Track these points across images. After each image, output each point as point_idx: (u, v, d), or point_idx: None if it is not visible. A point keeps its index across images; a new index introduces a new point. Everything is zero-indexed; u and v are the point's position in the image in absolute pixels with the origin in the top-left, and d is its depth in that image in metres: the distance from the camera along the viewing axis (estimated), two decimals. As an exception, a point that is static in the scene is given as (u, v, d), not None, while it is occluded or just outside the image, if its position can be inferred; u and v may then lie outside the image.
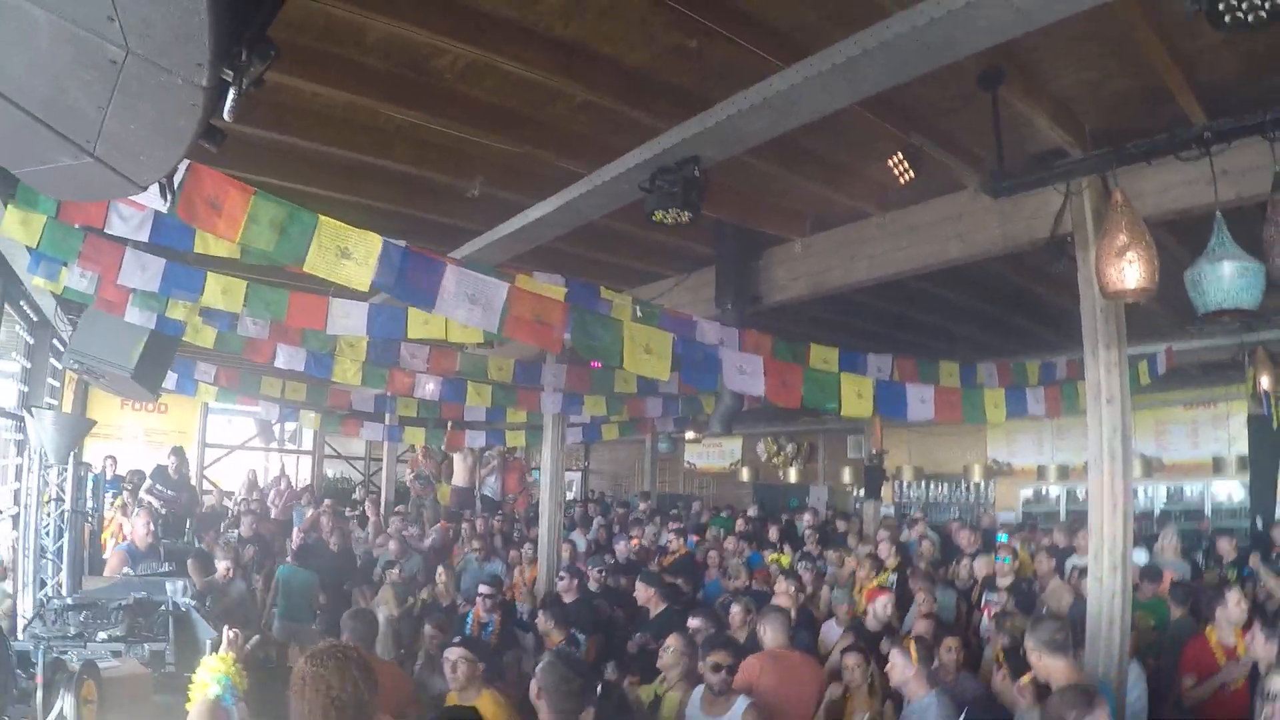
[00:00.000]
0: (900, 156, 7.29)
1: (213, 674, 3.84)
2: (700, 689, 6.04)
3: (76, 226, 6.29)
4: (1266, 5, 3.77)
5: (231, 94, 2.26)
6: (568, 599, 9.32)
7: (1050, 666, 5.05)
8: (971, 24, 4.36)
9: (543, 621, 8.18)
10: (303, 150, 7.64)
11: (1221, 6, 3.85)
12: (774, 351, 7.99)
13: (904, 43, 4.54)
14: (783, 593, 8.43)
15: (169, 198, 4.24)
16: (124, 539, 10.40)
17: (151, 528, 9.12)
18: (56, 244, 6.36)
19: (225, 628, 4.28)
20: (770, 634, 6.64)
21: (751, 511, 17.43)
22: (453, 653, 5.98)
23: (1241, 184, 6.24)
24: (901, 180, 7.42)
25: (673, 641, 6.44)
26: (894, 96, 6.50)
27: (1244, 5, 3.80)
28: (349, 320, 7.42)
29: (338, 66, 6.33)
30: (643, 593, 8.98)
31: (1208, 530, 13.85)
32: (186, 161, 4.54)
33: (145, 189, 2.74)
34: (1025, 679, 5.59)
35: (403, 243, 5.43)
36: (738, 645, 6.54)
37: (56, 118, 2.28)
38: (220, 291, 6.98)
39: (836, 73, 4.90)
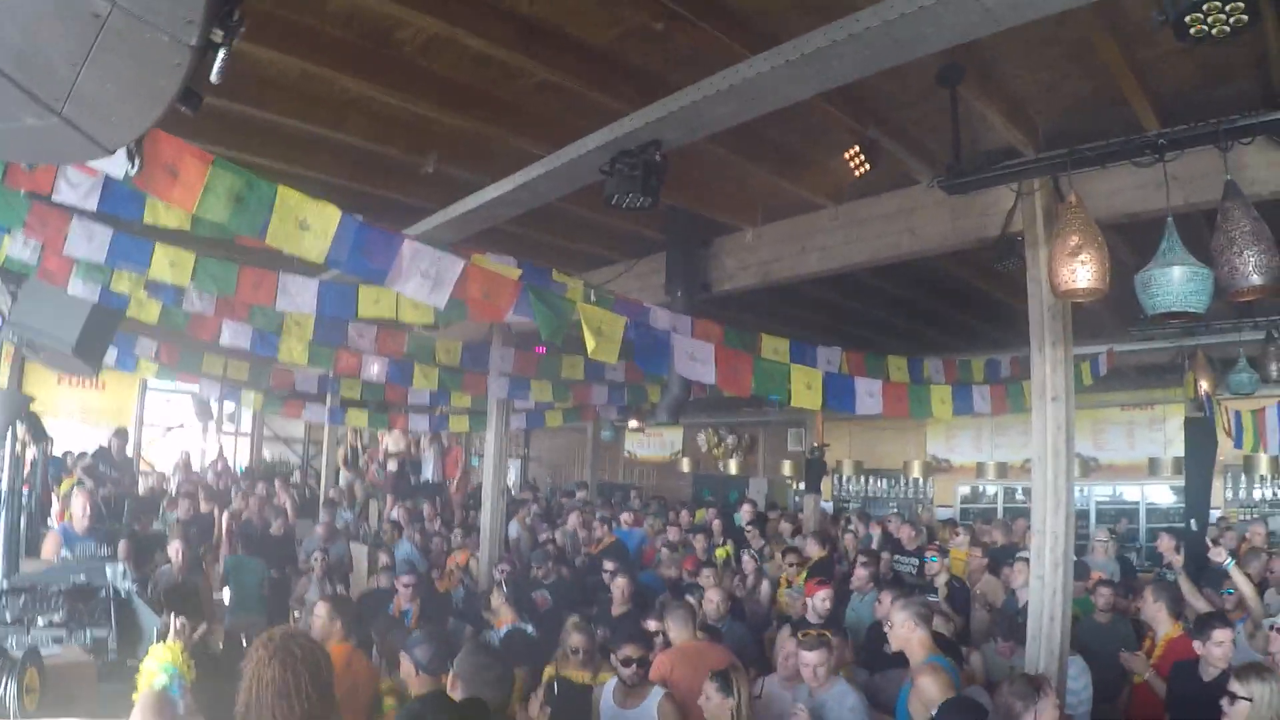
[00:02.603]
0: (857, 149, 7.33)
1: (160, 663, 3.76)
2: (614, 681, 6.07)
3: (21, 193, 6.08)
4: (1231, 20, 3.83)
5: (221, 54, 2.20)
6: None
7: (912, 637, 5.62)
8: (940, 21, 4.39)
9: (495, 599, 8.15)
10: (255, 120, 7.48)
11: (1188, 19, 3.90)
12: (725, 340, 7.99)
13: (873, 36, 4.55)
14: (710, 583, 8.49)
15: (135, 164, 4.11)
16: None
17: (89, 509, 8.85)
18: (1, 211, 6.17)
19: (172, 616, 4.18)
20: (675, 630, 6.66)
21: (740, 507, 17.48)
22: (319, 605, 6.12)
23: (1190, 190, 6.36)
24: (857, 173, 7.47)
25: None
26: (853, 89, 6.54)
27: (1210, 20, 3.86)
28: (299, 297, 7.27)
29: (296, 33, 6.19)
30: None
31: (1122, 529, 14.11)
32: None
33: (112, 153, 2.63)
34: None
35: (359, 217, 5.37)
36: (648, 637, 6.61)
37: (24, 73, 2.16)
38: (168, 264, 6.76)
39: (805, 62, 4.91)
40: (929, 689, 5.18)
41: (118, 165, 4.53)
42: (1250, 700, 4.68)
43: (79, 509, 8.79)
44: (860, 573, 9.00)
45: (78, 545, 8.52)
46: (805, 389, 6.74)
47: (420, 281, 5.50)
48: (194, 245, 6.98)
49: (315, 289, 7.31)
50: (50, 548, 8.66)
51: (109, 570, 5.84)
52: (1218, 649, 5.90)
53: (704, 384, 7.68)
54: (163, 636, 4.03)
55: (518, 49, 6.22)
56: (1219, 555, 7.65)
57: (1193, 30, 3.93)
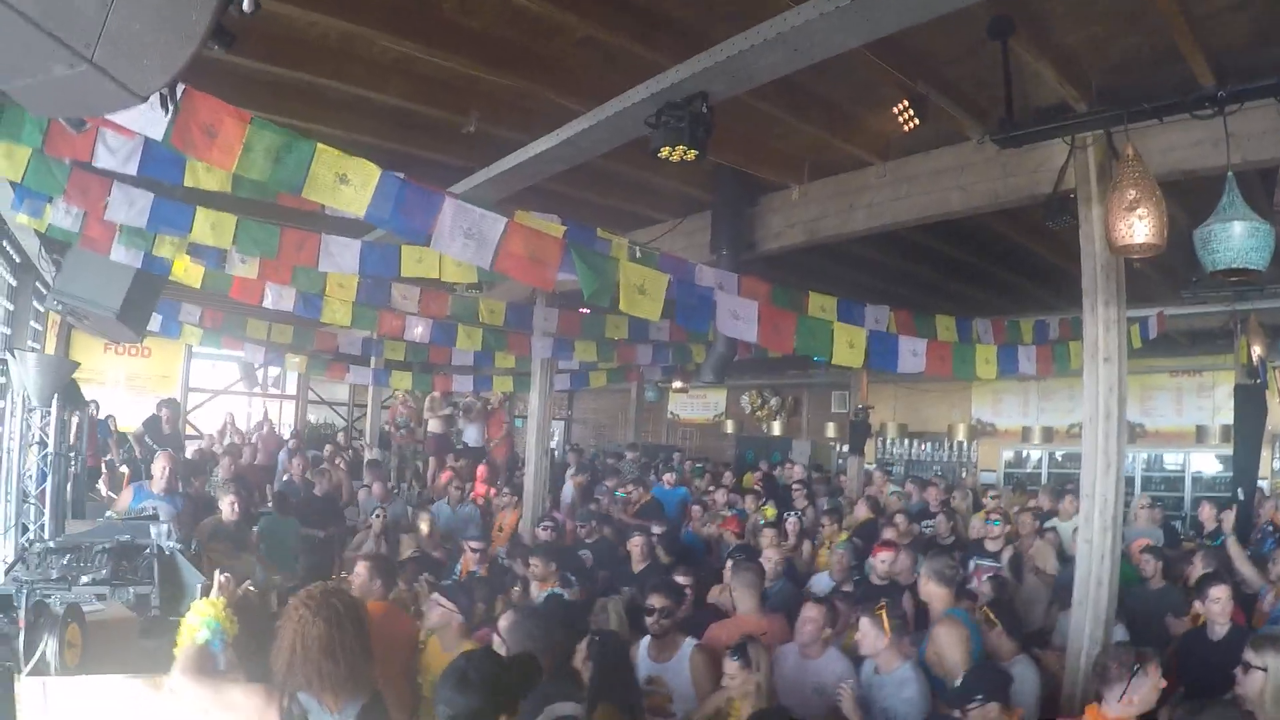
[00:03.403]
0: (906, 103, 7.22)
1: (202, 618, 3.78)
2: (648, 637, 6.06)
3: (65, 161, 6.05)
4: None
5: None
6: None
7: (934, 593, 6.32)
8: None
9: (538, 566, 8.15)
10: (294, 82, 7.46)
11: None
12: (772, 298, 7.93)
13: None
14: (769, 544, 8.45)
15: (169, 110, 4.08)
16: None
17: (168, 471, 8.84)
18: (42, 178, 6.12)
19: (216, 572, 4.23)
20: (740, 596, 6.69)
21: (763, 466, 17.37)
22: (359, 564, 6.21)
23: (1247, 148, 6.18)
24: (906, 128, 7.37)
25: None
26: (902, 42, 6.45)
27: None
28: (341, 257, 7.31)
29: None
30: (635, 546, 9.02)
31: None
32: (181, 86, 4.39)
33: (146, 99, 2.53)
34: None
35: (400, 175, 5.32)
36: (677, 588, 6.55)
37: (52, 18, 2.11)
38: (210, 227, 6.77)
39: (853, 9, 4.79)
40: (942, 637, 5.43)
41: (156, 125, 4.47)
42: (1265, 670, 4.63)
43: (159, 470, 8.83)
44: (888, 533, 8.99)
45: (151, 505, 8.56)
46: (848, 347, 6.65)
47: (464, 243, 5.46)
48: (235, 208, 6.99)
49: (358, 249, 7.33)
50: (124, 500, 8.77)
51: (153, 529, 5.87)
52: (1215, 605, 6.00)
53: (748, 343, 7.62)
54: (206, 592, 4.07)
55: (557, 3, 6.16)
56: (1226, 524, 7.73)
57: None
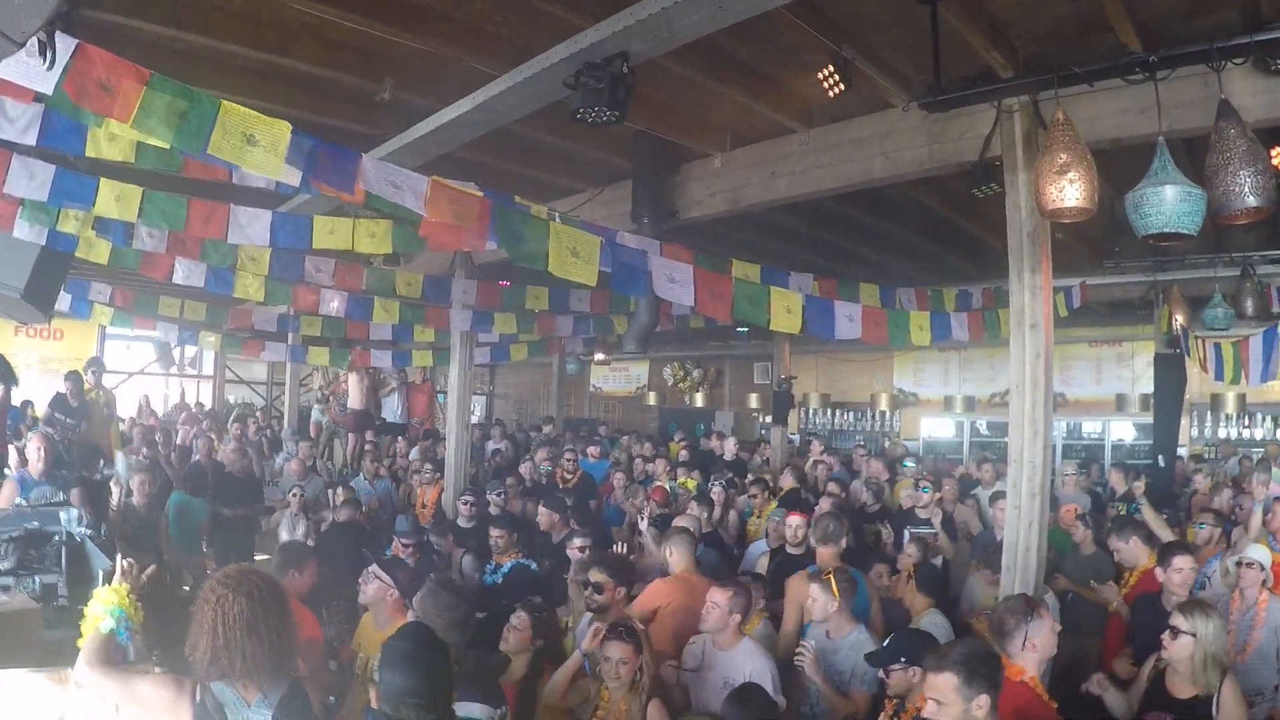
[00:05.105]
0: (831, 69, 7.08)
1: (105, 606, 3.60)
2: (588, 615, 5.88)
3: (-45, 133, 5.80)
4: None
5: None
6: (466, 524, 9.35)
7: (821, 553, 6.72)
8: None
9: (502, 538, 8.03)
10: (201, 48, 7.23)
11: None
12: (697, 263, 7.82)
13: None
14: (691, 515, 8.37)
15: (49, 59, 3.82)
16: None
17: (44, 454, 8.64)
18: None
19: (119, 557, 4.04)
20: (677, 556, 6.56)
21: (677, 437, 17.35)
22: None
23: (1174, 116, 6.16)
24: (831, 94, 7.23)
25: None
26: (828, 6, 6.42)
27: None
28: (251, 229, 7.15)
29: None
30: (545, 518, 8.92)
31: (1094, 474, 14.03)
32: (75, 42, 4.16)
33: (22, 44, 2.45)
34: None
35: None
36: (618, 563, 6.42)
37: None
38: (114, 199, 6.57)
39: (782, -37, 4.63)
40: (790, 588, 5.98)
41: (46, 79, 4.14)
42: (1193, 636, 4.67)
43: (34, 454, 8.61)
44: (824, 504, 8.93)
45: (34, 491, 8.28)
46: (785, 312, 6.59)
47: (393, 191, 5.34)
48: (141, 180, 6.78)
49: (268, 220, 7.20)
50: (5, 495, 8.43)
51: (63, 515, 5.65)
52: (1177, 575, 5.95)
53: (683, 306, 7.59)
54: (108, 579, 3.85)
55: (477, -36, 5.91)
56: (1137, 490, 8.27)
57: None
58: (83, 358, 17.97)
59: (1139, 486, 8.45)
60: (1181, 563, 5.96)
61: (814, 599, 5.64)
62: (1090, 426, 17.85)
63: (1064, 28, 6.62)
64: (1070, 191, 5.26)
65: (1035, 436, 6.67)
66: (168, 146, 5.06)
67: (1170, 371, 11.66)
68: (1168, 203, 5.16)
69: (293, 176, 5.07)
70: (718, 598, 5.44)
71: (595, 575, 5.89)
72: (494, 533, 8.13)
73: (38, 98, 5.08)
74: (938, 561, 7.86)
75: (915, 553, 7.42)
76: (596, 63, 5.84)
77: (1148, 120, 5.94)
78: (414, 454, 14.52)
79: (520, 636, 5.30)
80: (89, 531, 5.53)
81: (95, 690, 3.29)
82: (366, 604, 5.79)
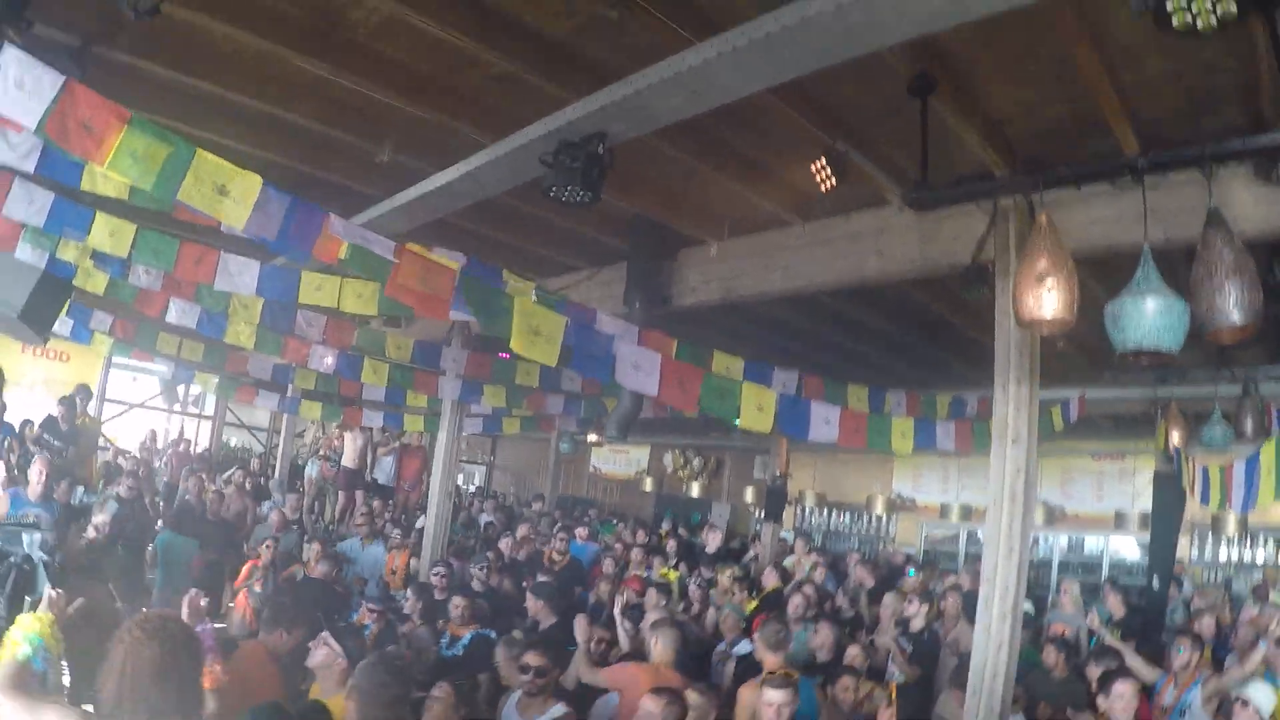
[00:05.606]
0: (823, 161, 6.95)
1: (25, 633, 3.58)
2: (518, 692, 5.87)
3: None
4: (1218, 10, 3.42)
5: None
6: (438, 595, 9.08)
7: (767, 660, 6.52)
8: (900, 6, 4.00)
9: (462, 608, 8.06)
10: (207, 94, 7.19)
11: (1170, 6, 3.49)
12: (676, 354, 7.67)
13: (826, 21, 4.16)
14: (652, 606, 8.19)
15: None
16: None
17: (44, 476, 8.92)
18: None
19: (48, 587, 4.14)
20: (661, 648, 6.47)
21: (665, 526, 17.15)
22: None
23: (1171, 225, 5.95)
24: (824, 187, 7.08)
25: None
26: (822, 97, 6.32)
27: (1193, 6, 3.44)
28: (239, 278, 7.16)
29: (248, 9, 5.97)
30: (532, 604, 8.74)
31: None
32: (62, 79, 4.26)
33: None
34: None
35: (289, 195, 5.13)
36: (551, 647, 6.34)
37: None
38: (108, 233, 6.64)
39: (753, 50, 4.54)
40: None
41: (30, 114, 4.23)
42: None
43: (35, 475, 8.84)
44: (795, 600, 8.83)
45: (22, 510, 8.43)
46: (756, 410, 6.42)
47: (360, 240, 5.42)
48: (137, 217, 6.80)
49: (257, 271, 7.19)
50: None
51: (25, 538, 5.56)
52: (1119, 703, 5.79)
53: (649, 397, 7.37)
54: (34, 606, 3.95)
55: (474, 36, 5.94)
56: (1092, 621, 8.28)
57: (1175, 20, 3.51)
58: (87, 382, 18.10)
59: (1094, 618, 8.25)
60: (1121, 689, 5.76)
61: (770, 702, 5.47)
62: (1092, 542, 17.40)
63: (1063, 128, 6.45)
64: (1048, 301, 5.01)
65: (1010, 554, 6.43)
66: (144, 190, 5.00)
67: (1168, 490, 11.35)
68: (1148, 316, 4.90)
69: (267, 230, 5.03)
70: (772, 698, 5.44)
71: (533, 659, 5.79)
72: (454, 602, 8.12)
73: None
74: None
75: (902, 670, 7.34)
76: (574, 141, 5.79)
77: (1148, 227, 5.59)
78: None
79: (441, 707, 5.13)
80: (46, 557, 5.42)
81: (3, 713, 3.23)
82: (313, 669, 5.64)
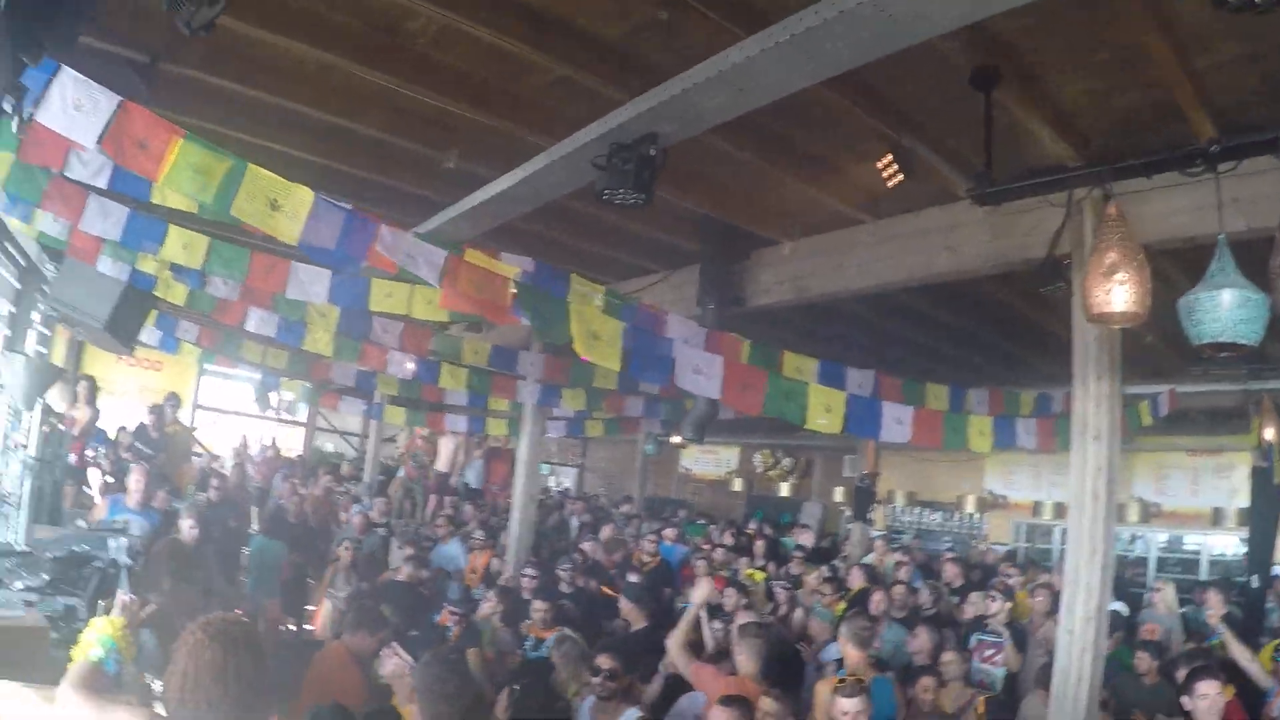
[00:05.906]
0: (890, 158, 6.82)
1: (98, 635, 3.72)
2: (591, 698, 5.80)
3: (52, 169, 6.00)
4: (1276, -14, 3.25)
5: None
6: (526, 597, 9.06)
7: (849, 654, 6.48)
8: (943, -5, 3.89)
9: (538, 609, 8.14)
10: (271, 106, 7.31)
11: (1228, -16, 3.33)
12: (748, 356, 7.60)
13: (867, 12, 4.06)
14: (732, 606, 8.11)
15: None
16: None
17: (144, 485, 9.03)
18: (21, 184, 6.12)
19: (120, 592, 4.22)
20: (744, 659, 6.20)
21: (753, 526, 16.99)
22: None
23: (1251, 213, 5.72)
24: (890, 184, 6.95)
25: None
26: (885, 93, 6.19)
27: (1253, -17, 3.28)
28: (311, 287, 7.26)
29: (306, 22, 6.05)
30: (624, 605, 8.64)
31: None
32: (118, 100, 4.34)
33: None
34: None
35: (347, 206, 5.20)
36: (628, 651, 6.27)
37: None
38: (181, 246, 6.77)
39: (796, 44, 4.44)
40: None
41: (88, 132, 4.34)
42: None
43: (134, 484, 8.99)
44: (876, 597, 8.82)
45: (124, 519, 8.58)
46: (824, 411, 6.35)
47: (407, 260, 5.43)
48: (209, 229, 6.97)
49: (328, 279, 7.28)
50: (98, 514, 8.98)
51: (112, 543, 5.73)
52: (1203, 702, 5.43)
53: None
54: (107, 611, 4.01)
55: (529, 42, 5.96)
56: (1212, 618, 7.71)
57: (1232, -1, 3.35)
58: (181, 390, 18.49)
59: (1212, 615, 7.83)
60: (1206, 689, 5.46)
61: (844, 711, 5.22)
62: (1192, 539, 16.85)
63: (1137, 116, 6.19)
64: (1118, 294, 4.83)
65: (1094, 555, 6.18)
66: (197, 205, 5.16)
67: (1266, 486, 10.95)
68: (1224, 309, 4.71)
69: (322, 243, 5.09)
70: (845, 706, 5.18)
71: (605, 661, 5.73)
72: (535, 605, 8.18)
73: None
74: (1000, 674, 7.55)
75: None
76: (627, 144, 5.74)
77: (1228, 216, 5.45)
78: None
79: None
80: (130, 562, 5.63)
81: (72, 712, 3.29)
82: (385, 678, 5.69)
